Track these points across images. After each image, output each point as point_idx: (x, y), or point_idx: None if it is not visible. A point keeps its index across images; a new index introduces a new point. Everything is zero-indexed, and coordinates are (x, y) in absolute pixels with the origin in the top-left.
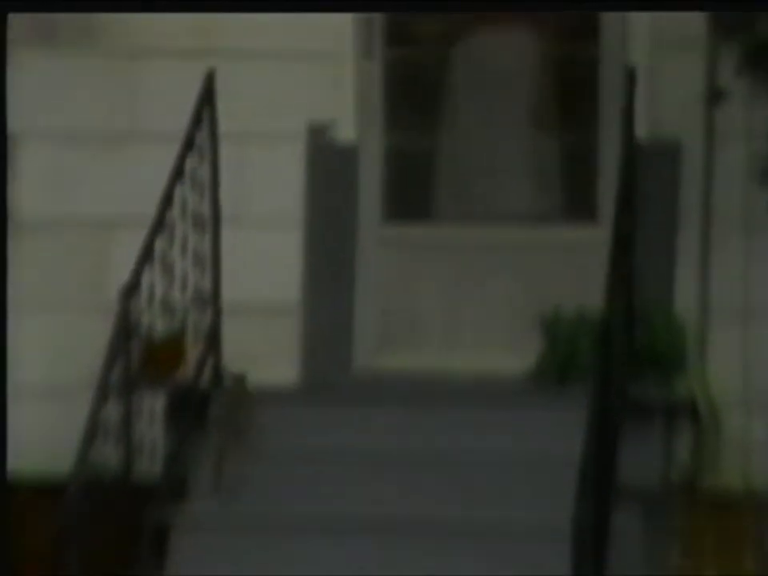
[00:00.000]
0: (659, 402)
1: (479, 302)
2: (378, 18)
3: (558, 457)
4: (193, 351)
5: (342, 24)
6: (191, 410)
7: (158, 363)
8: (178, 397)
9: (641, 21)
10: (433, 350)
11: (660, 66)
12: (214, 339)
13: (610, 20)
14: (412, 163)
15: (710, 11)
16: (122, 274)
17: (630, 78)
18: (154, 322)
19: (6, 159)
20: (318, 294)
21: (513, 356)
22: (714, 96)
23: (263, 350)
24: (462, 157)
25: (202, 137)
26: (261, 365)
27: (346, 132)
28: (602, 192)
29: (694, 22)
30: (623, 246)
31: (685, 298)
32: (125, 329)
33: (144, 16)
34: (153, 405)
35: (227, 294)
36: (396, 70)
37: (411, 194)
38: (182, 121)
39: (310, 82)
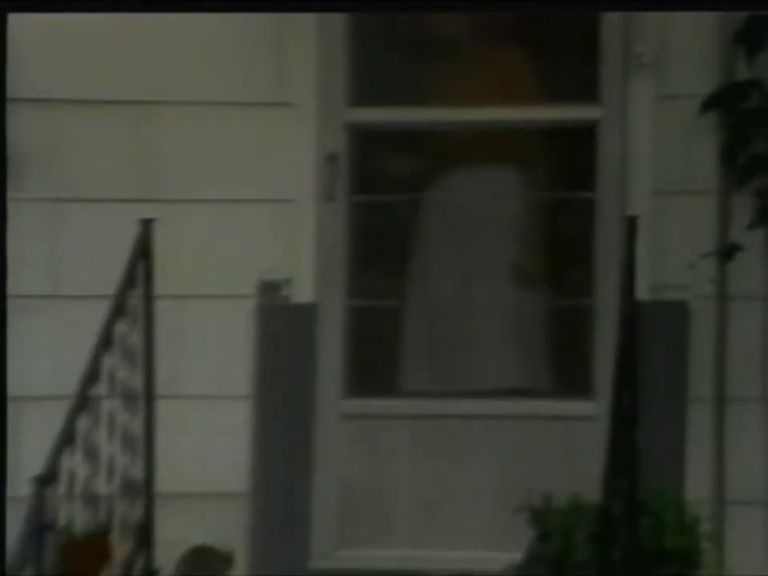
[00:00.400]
0: None
1: (456, 487)
2: (342, 161)
3: None
4: (120, 549)
5: (303, 170)
6: None
7: (78, 564)
8: None
9: (642, 165)
10: (402, 544)
11: (663, 216)
12: (145, 535)
13: (607, 162)
14: (378, 326)
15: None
16: (36, 458)
17: (631, 228)
18: (74, 514)
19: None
20: (268, 478)
21: (496, 552)
22: (727, 251)
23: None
24: (434, 321)
25: (135, 298)
26: None
27: (303, 289)
28: (599, 359)
29: (702, 165)
30: (624, 423)
31: (698, 482)
32: (38, 523)
33: (72, 160)
34: None
35: (162, 480)
36: (361, 217)
37: (377, 362)
38: (111, 280)
39: (263, 232)
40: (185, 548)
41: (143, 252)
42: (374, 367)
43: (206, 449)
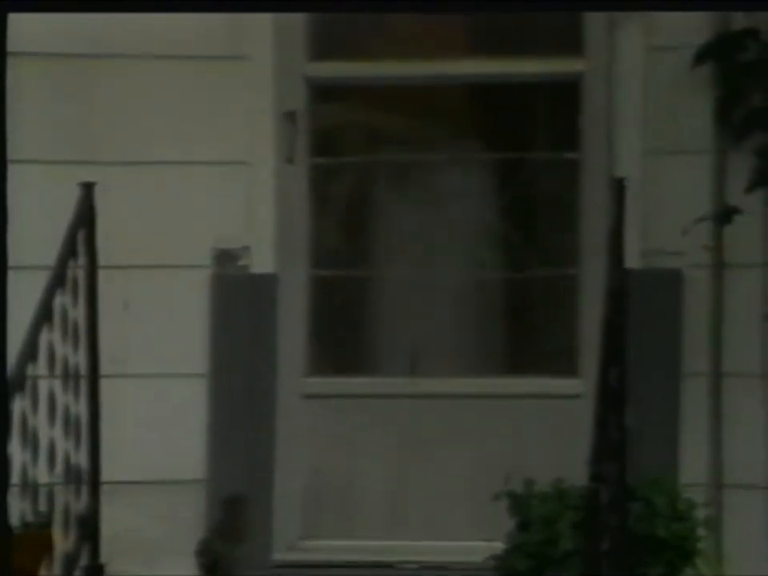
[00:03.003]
0: None
1: (429, 472)
2: (302, 119)
3: None
4: (62, 542)
5: (259, 130)
6: None
7: (15, 558)
8: None
9: (631, 122)
10: (371, 534)
11: (654, 178)
12: (89, 527)
13: (592, 120)
14: (343, 298)
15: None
16: None
17: (619, 190)
18: (11, 505)
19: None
20: (226, 463)
21: (473, 542)
22: (723, 215)
23: (156, 539)
24: (403, 292)
25: (77, 268)
26: (152, 559)
27: (261, 258)
28: (585, 333)
29: (695, 122)
30: (611, 402)
31: (692, 465)
32: None
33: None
34: None
35: (108, 468)
36: (323, 180)
37: (342, 337)
38: (50, 249)
39: (217, 197)
40: (133, 542)
41: (84, 219)
42: (338, 343)
43: (157, 433)
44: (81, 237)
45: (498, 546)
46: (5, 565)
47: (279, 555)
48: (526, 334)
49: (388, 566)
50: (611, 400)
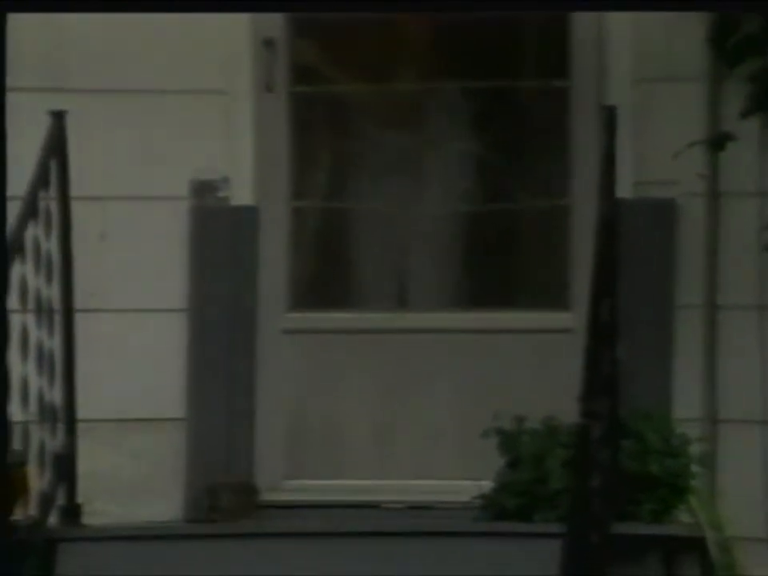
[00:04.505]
0: (655, 538)
1: (415, 409)
2: (280, 46)
3: None
4: (37, 482)
5: (237, 58)
6: (31, 565)
7: None
8: (12, 548)
9: (622, 48)
10: (355, 473)
11: (646, 106)
12: (66, 466)
13: (582, 46)
14: (325, 231)
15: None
16: None
17: (610, 119)
18: None
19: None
20: (206, 401)
21: (460, 481)
22: (717, 141)
23: (134, 479)
24: (388, 223)
25: (49, 200)
26: (131, 498)
27: (241, 190)
28: (576, 265)
29: (689, 48)
30: (603, 336)
31: (687, 400)
32: None
33: None
34: None
35: (84, 405)
36: (303, 110)
37: (324, 271)
38: (21, 179)
39: (195, 127)
40: (111, 481)
41: (56, 148)
42: (321, 277)
43: (134, 369)
44: (52, 167)
45: (487, 484)
46: None
47: (262, 496)
48: (515, 267)
49: (374, 505)
50: (603, 334)
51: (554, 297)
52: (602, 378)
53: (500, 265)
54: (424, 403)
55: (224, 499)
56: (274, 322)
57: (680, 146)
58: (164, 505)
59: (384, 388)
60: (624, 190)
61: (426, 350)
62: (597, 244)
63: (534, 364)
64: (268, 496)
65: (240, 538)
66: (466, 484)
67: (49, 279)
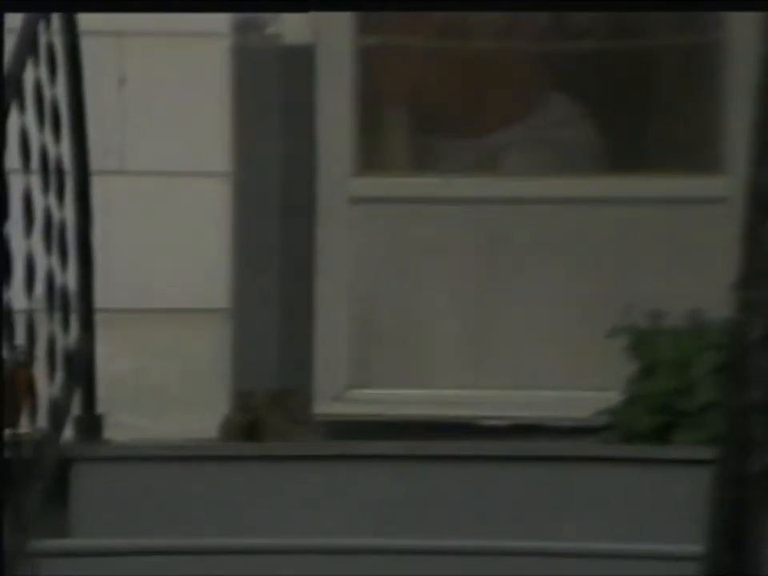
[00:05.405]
0: None
1: (517, 301)
2: None
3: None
4: (46, 388)
5: None
6: (40, 483)
7: None
8: (16, 469)
9: None
10: (440, 381)
11: None
12: (81, 368)
13: None
14: (400, 75)
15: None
16: None
17: None
18: None
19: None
20: (254, 288)
21: (578, 392)
22: None
23: (166, 384)
24: (479, 69)
25: (51, 34)
26: (160, 409)
27: (295, 26)
28: (730, 120)
29: None
30: (766, 207)
31: None
32: None
33: None
34: None
35: (104, 293)
36: None
37: (399, 124)
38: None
39: None
40: (137, 387)
41: None
42: (395, 133)
43: (165, 247)
44: None
45: (613, 397)
46: None
47: (322, 408)
48: (652, 119)
49: (463, 423)
50: (765, 203)
51: (702, 158)
52: (764, 260)
53: (632, 117)
54: (529, 293)
55: (274, 411)
56: (336, 190)
57: None
58: (200, 418)
59: (477, 273)
60: None
61: (532, 225)
62: (759, 86)
63: (675, 243)
64: (329, 409)
65: (292, 460)
66: (586, 397)
67: (57, 134)
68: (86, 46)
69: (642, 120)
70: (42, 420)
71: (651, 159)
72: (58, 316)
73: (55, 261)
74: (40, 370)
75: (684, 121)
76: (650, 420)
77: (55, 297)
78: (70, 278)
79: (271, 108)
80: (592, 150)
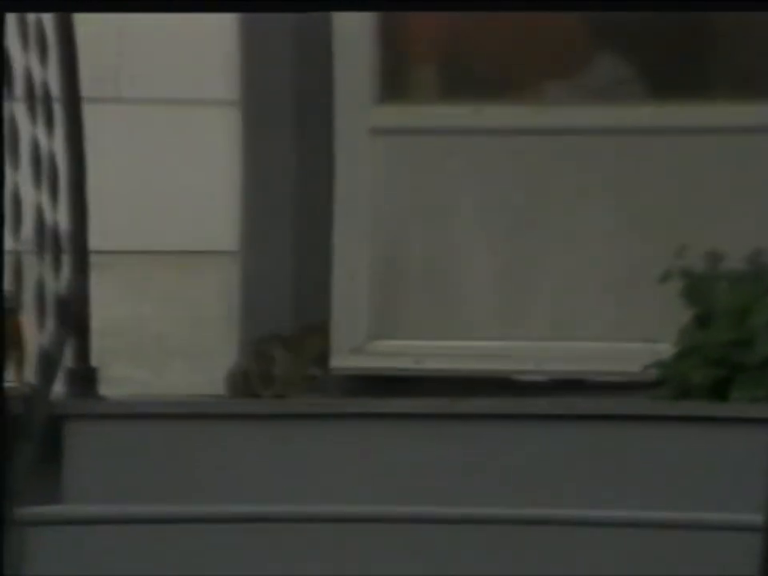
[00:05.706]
0: None
1: (560, 242)
2: None
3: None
4: (35, 333)
5: None
6: (29, 441)
7: None
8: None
9: None
10: (474, 332)
11: None
12: (74, 316)
13: None
14: None
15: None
16: None
17: None
18: None
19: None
20: (265, 227)
21: (625, 343)
22: None
23: (165, 334)
24: None
25: None
26: (161, 361)
27: None
28: None
29: None
30: None
31: None
32: None
33: None
34: None
35: (99, 233)
36: None
37: (427, 50)
38: None
39: None
40: (135, 337)
41: None
42: (423, 55)
43: (166, 182)
44: None
45: (664, 349)
46: None
47: (340, 361)
48: (708, 42)
49: (498, 378)
50: None
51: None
52: None
53: (686, 40)
54: (571, 233)
55: (286, 364)
56: (357, 119)
57: None
58: (206, 370)
59: (513, 212)
60: None
61: (573, 158)
62: None
63: (735, 177)
64: (347, 362)
65: (306, 419)
66: (634, 348)
67: (43, 57)
68: None
69: (699, 42)
70: (32, 373)
71: (709, 85)
72: (48, 258)
73: (45, 197)
74: (28, 317)
75: (747, 45)
76: (706, 374)
77: (45, 237)
78: (61, 216)
79: (284, 27)
80: (641, 75)
